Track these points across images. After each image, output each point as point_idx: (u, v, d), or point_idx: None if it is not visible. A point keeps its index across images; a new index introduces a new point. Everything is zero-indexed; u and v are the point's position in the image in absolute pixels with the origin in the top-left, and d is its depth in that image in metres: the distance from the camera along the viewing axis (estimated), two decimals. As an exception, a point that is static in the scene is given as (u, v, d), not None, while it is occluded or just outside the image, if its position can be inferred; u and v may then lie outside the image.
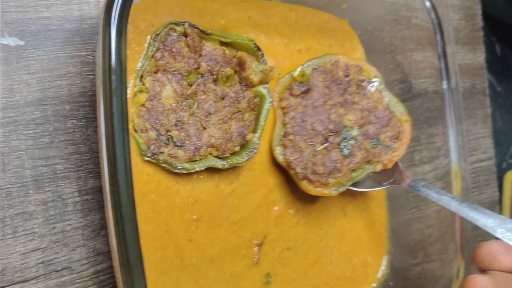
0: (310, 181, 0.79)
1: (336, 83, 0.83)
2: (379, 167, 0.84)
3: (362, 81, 0.85)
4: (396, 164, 0.86)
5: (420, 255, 0.96)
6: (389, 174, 0.85)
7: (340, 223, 0.90)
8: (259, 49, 0.75)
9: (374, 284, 0.94)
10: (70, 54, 0.73)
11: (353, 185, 0.85)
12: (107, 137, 0.56)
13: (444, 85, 0.92)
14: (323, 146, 0.80)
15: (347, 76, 0.84)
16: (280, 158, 0.79)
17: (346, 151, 0.82)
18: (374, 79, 0.87)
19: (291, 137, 0.79)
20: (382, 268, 0.95)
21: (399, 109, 0.87)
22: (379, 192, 0.96)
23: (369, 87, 0.86)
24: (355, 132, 0.83)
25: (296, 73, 0.81)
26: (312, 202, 0.86)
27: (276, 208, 0.82)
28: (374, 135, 0.84)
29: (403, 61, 0.98)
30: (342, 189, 0.82)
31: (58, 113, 0.72)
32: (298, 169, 0.78)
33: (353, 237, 0.92)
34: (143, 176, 0.69)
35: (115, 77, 0.56)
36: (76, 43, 0.73)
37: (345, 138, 0.82)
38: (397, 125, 0.86)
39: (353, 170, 0.83)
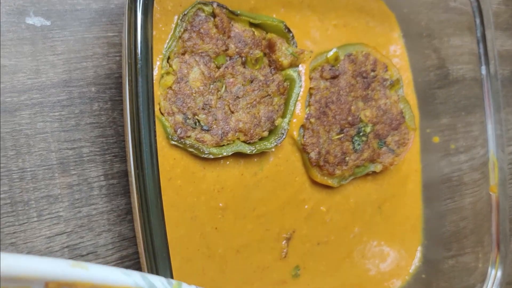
0: (320, 168, 0.79)
1: (362, 75, 0.83)
2: (379, 168, 0.85)
3: (385, 80, 0.85)
4: None
5: (453, 248, 0.93)
6: None
7: (376, 220, 0.89)
8: (289, 30, 0.73)
9: (406, 277, 0.91)
10: (96, 35, 0.71)
11: None
12: (132, 119, 0.55)
13: (483, 70, 0.88)
14: (338, 136, 0.80)
15: (373, 71, 0.84)
16: (298, 139, 0.78)
17: (357, 146, 0.82)
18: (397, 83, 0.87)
19: (312, 119, 0.78)
20: (415, 261, 0.92)
21: (410, 116, 0.87)
22: (415, 184, 0.94)
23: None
24: (368, 129, 0.83)
25: (330, 54, 0.79)
26: (347, 201, 0.85)
27: (306, 206, 0.80)
28: (382, 136, 0.85)
29: (440, 46, 0.94)
30: (343, 182, 0.82)
31: (84, 95, 0.70)
32: (312, 155, 0.78)
33: (388, 231, 0.90)
34: (170, 160, 0.68)
35: (141, 57, 0.54)
36: (102, 24, 0.72)
37: (358, 133, 0.82)
38: (405, 131, 0.86)
39: (357, 166, 0.83)
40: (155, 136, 0.55)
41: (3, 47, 0.66)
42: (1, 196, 0.65)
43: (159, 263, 0.57)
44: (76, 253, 0.69)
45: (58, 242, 0.68)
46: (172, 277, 0.59)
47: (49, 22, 0.68)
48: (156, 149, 0.55)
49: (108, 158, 0.71)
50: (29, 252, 0.66)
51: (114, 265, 0.71)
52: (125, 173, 0.72)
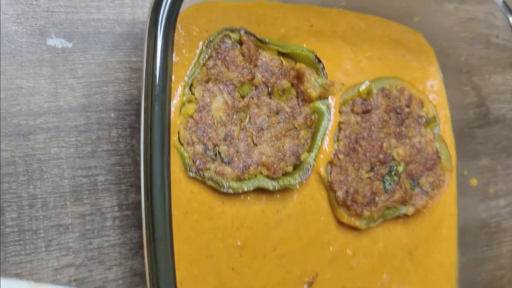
0: (347, 207, 0.74)
1: (396, 111, 0.78)
2: (411, 210, 0.79)
3: (421, 117, 0.80)
4: None
5: (490, 299, 0.87)
6: None
7: (406, 267, 0.83)
8: (319, 61, 0.69)
9: (437, 330, 0.85)
10: (119, 59, 0.69)
11: None
12: (146, 148, 0.51)
13: (525, 111, 0.83)
14: (368, 175, 0.75)
15: (408, 106, 0.79)
16: (324, 176, 0.73)
17: (388, 186, 0.77)
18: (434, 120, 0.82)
19: (341, 156, 0.73)
20: (448, 312, 0.86)
21: (446, 156, 0.82)
22: (450, 229, 0.88)
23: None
24: (401, 168, 0.78)
25: (362, 88, 0.75)
26: (375, 245, 0.79)
27: (331, 249, 0.75)
28: (416, 177, 0.79)
29: (480, 83, 0.89)
30: (371, 224, 0.77)
31: (102, 121, 0.68)
32: (339, 193, 0.73)
33: (419, 279, 0.84)
34: (187, 194, 0.64)
35: (158, 83, 0.51)
36: (126, 48, 0.70)
37: (390, 172, 0.77)
38: (440, 172, 0.81)
39: (387, 207, 0.78)
40: (168, 168, 0.51)
41: (22, 68, 0.64)
42: (9, 223, 0.62)
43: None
44: (83, 288, 0.65)
45: (66, 274, 0.64)
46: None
47: (71, 44, 0.66)
48: (169, 182, 0.51)
49: (124, 187, 0.68)
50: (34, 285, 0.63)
51: (123, 302, 0.67)
52: (140, 204, 0.69)
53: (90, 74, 0.67)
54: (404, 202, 0.78)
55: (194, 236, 0.64)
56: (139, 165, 0.69)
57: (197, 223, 0.65)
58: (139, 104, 0.69)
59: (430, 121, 0.80)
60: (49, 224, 0.64)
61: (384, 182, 0.77)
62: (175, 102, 0.63)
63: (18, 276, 0.62)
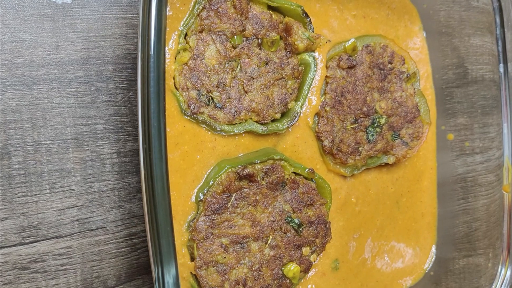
0: (333, 156, 0.79)
1: (379, 67, 0.83)
2: (392, 160, 0.84)
3: (402, 72, 0.85)
4: None
5: (465, 248, 0.92)
6: None
7: (394, 214, 0.88)
8: (307, 15, 0.73)
9: (419, 275, 0.91)
10: (116, 15, 0.73)
11: None
12: (143, 93, 0.55)
13: (501, 68, 0.87)
14: (352, 126, 0.80)
15: (390, 63, 0.84)
16: (312, 126, 0.78)
17: (371, 137, 0.82)
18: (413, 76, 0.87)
19: (327, 108, 0.78)
20: (429, 259, 0.92)
21: (425, 110, 0.87)
22: (431, 181, 0.93)
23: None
24: (383, 120, 0.83)
25: (348, 44, 0.79)
26: (368, 192, 0.85)
27: (339, 196, 0.81)
28: (397, 128, 0.84)
29: (459, 44, 0.93)
30: (355, 172, 0.82)
31: (101, 73, 0.71)
32: (326, 142, 0.78)
33: (405, 227, 0.90)
34: (179, 127, 0.68)
35: (154, 33, 0.55)
36: (122, 5, 0.73)
37: (373, 124, 0.82)
38: (419, 125, 0.86)
39: (370, 157, 0.83)
40: (164, 111, 0.55)
41: (25, 22, 0.67)
42: (16, 167, 0.66)
43: (162, 238, 0.57)
44: (85, 227, 0.69)
45: (69, 215, 0.69)
46: (175, 253, 0.58)
47: (70, 0, 0.70)
48: (164, 124, 0.55)
49: (122, 136, 0.72)
50: (39, 223, 0.67)
51: (122, 241, 0.72)
52: (137, 152, 0.73)
53: (88, 29, 0.71)
54: (385, 152, 0.83)
55: (184, 166, 0.69)
56: (135, 115, 0.73)
57: (187, 153, 0.69)
58: (135, 58, 0.73)
59: (411, 77, 0.85)
60: (52, 168, 0.68)
61: (367, 133, 0.81)
62: (172, 48, 0.67)
63: (25, 215, 0.66)
